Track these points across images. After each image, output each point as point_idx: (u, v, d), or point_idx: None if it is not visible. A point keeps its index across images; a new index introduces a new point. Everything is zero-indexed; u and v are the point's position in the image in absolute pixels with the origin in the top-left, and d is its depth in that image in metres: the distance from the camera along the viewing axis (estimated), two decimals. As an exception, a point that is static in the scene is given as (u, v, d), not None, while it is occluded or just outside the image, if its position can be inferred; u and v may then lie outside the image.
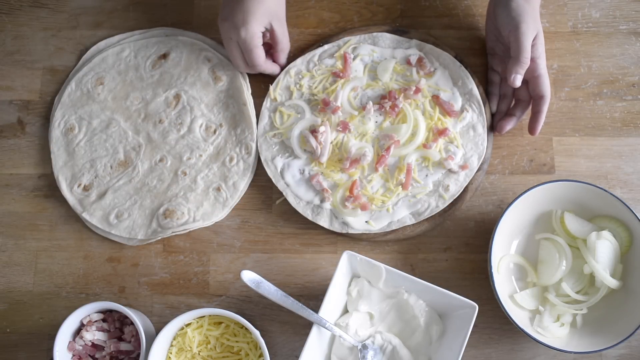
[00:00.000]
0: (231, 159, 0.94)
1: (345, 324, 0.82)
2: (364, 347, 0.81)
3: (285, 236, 0.93)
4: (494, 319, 0.89)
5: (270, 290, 0.80)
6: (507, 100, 0.95)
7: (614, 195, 0.83)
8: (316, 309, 0.79)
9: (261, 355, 0.82)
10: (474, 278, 0.91)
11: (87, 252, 0.93)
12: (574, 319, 0.86)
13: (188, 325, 0.85)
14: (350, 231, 0.89)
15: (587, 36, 1.00)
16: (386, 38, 0.97)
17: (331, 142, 0.92)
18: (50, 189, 0.96)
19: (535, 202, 0.87)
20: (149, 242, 0.92)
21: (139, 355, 0.83)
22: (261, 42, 0.90)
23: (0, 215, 0.95)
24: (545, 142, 0.96)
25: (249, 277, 0.80)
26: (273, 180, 0.92)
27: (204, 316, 0.85)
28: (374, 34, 0.97)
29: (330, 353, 0.83)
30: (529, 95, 0.91)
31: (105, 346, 0.84)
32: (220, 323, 0.85)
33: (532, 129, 0.91)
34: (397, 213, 0.90)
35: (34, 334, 0.90)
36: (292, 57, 0.98)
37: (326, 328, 0.78)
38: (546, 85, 0.88)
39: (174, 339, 0.85)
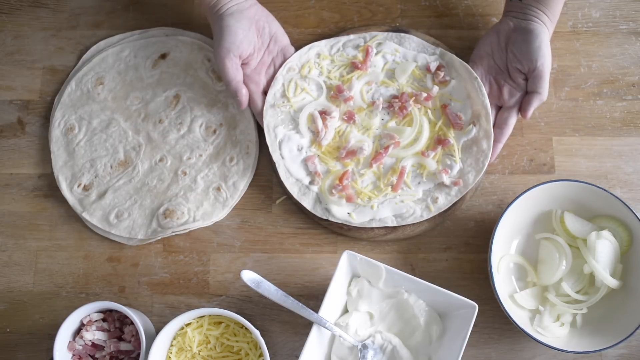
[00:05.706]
0: (231, 159, 0.94)
1: (345, 323, 0.82)
2: (364, 346, 0.81)
3: (285, 236, 0.93)
4: (494, 319, 0.89)
5: (270, 290, 0.80)
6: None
7: (614, 195, 0.83)
8: (316, 309, 0.79)
9: (261, 355, 0.82)
10: (474, 278, 0.91)
11: (87, 252, 0.93)
12: (574, 319, 0.86)
13: (188, 325, 0.85)
14: (331, 219, 0.89)
15: (587, 36, 1.00)
16: (412, 40, 0.95)
17: (335, 129, 0.92)
18: (50, 188, 0.96)
19: (535, 202, 0.87)
20: (149, 242, 0.92)
21: (139, 355, 0.83)
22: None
23: (0, 215, 0.95)
24: (545, 142, 0.96)
25: (249, 277, 0.80)
26: (270, 149, 0.91)
27: (204, 316, 0.85)
28: (402, 34, 0.96)
29: (330, 353, 0.83)
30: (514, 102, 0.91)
31: (105, 346, 0.84)
32: (220, 323, 0.85)
33: (524, 111, 0.90)
34: (380, 212, 0.89)
35: (34, 334, 0.90)
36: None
37: (326, 328, 0.78)
38: (545, 88, 0.88)
39: (174, 338, 0.85)
